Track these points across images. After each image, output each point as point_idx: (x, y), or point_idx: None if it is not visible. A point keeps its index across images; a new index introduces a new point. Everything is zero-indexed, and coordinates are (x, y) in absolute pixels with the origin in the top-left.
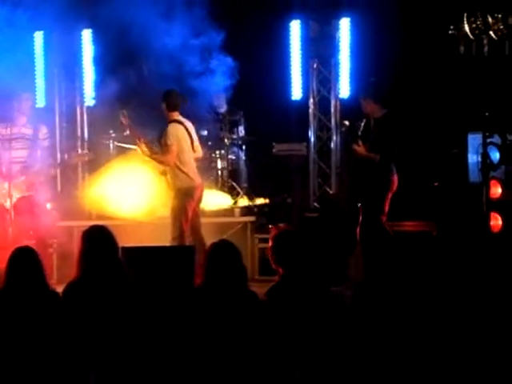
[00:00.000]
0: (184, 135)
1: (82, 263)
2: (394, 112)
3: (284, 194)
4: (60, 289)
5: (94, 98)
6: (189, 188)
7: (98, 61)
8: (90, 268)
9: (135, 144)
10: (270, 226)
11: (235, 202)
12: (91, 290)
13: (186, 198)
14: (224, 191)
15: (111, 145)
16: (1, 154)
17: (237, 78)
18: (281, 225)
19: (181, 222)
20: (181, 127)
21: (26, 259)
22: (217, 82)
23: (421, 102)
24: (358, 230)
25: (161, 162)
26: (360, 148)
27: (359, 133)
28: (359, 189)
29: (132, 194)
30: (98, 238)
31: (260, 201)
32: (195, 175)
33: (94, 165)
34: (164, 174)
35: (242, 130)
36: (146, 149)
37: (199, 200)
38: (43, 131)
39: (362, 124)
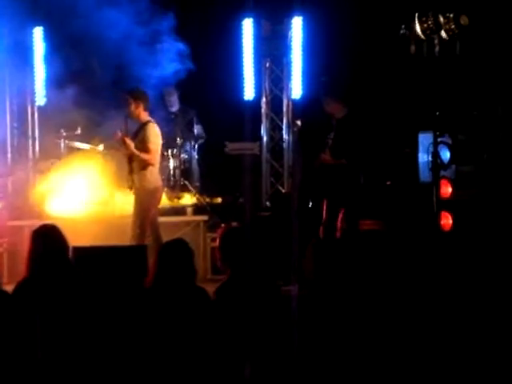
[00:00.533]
0: (160, 136)
1: (30, 263)
2: (355, 111)
3: (236, 193)
4: (10, 288)
5: (44, 97)
6: (155, 188)
7: (49, 59)
8: (38, 267)
9: (120, 138)
10: (222, 225)
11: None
12: (40, 290)
13: (151, 198)
14: (176, 190)
15: (62, 144)
16: None
17: (189, 73)
18: (232, 223)
19: (143, 220)
20: (158, 128)
21: None
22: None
23: (372, 101)
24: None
25: (143, 161)
26: (326, 156)
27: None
28: (326, 190)
29: (82, 192)
30: (47, 237)
31: (211, 200)
32: (159, 176)
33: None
34: (130, 173)
35: (195, 129)
36: (130, 142)
37: (160, 200)
38: None
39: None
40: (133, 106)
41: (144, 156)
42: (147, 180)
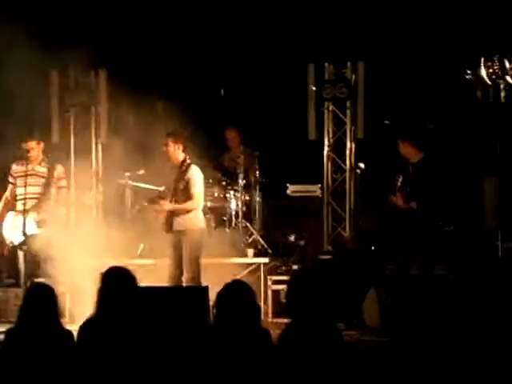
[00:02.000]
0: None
1: (98, 302)
2: (431, 156)
3: (298, 236)
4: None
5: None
6: (204, 228)
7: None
8: (106, 307)
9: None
10: (284, 268)
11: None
12: (106, 329)
13: (202, 239)
14: (237, 232)
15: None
16: (17, 190)
17: (253, 115)
18: (293, 267)
19: (198, 261)
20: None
21: (41, 295)
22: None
23: (437, 146)
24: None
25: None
26: (397, 199)
27: (399, 183)
28: (399, 233)
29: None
30: (117, 279)
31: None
32: None
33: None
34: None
35: (256, 171)
36: (167, 203)
37: None
38: (58, 171)
39: (400, 178)
40: (174, 147)
41: (187, 208)
42: (199, 220)
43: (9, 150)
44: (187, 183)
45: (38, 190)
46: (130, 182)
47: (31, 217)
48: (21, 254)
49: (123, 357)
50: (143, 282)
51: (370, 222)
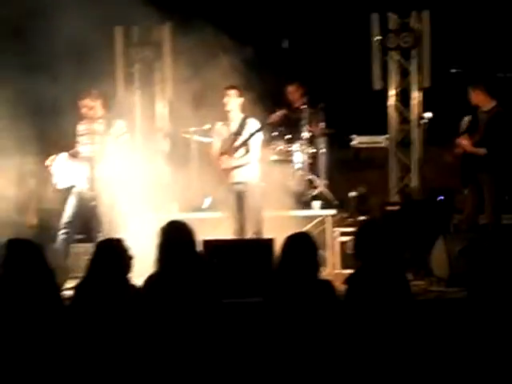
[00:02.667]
0: None
1: (159, 257)
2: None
3: (363, 187)
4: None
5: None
6: (262, 184)
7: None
8: (167, 262)
9: None
10: (350, 220)
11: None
12: (169, 284)
13: (263, 192)
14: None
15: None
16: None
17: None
18: (360, 218)
19: (261, 214)
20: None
21: (110, 250)
22: None
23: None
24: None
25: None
26: (465, 142)
27: (464, 127)
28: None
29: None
30: (176, 233)
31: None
32: None
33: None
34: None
35: (320, 123)
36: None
37: None
38: (116, 127)
39: (467, 119)
40: (237, 96)
41: (245, 160)
42: (259, 175)
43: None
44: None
45: (94, 148)
46: (196, 137)
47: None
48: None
49: (188, 312)
50: (210, 235)
51: (437, 172)
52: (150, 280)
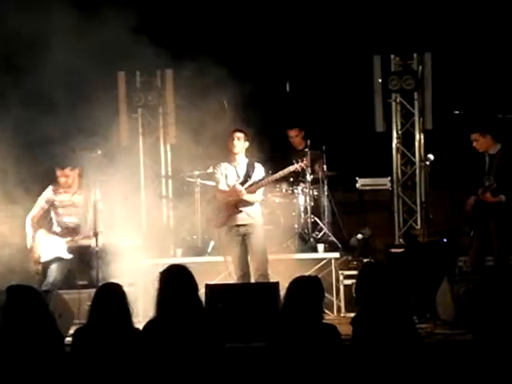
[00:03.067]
0: None
1: (159, 301)
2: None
3: (368, 230)
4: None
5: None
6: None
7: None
8: (167, 306)
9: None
10: (355, 263)
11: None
12: (168, 329)
13: (265, 233)
14: (307, 227)
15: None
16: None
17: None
18: (365, 261)
19: (266, 256)
20: None
21: (110, 295)
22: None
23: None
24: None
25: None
26: (488, 195)
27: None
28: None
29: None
30: (175, 278)
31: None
32: None
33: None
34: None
35: (323, 165)
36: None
37: None
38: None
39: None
40: (242, 143)
41: (255, 197)
42: (261, 214)
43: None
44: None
45: (75, 220)
46: (199, 180)
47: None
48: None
49: (187, 357)
50: (216, 279)
51: (442, 214)
52: (150, 325)
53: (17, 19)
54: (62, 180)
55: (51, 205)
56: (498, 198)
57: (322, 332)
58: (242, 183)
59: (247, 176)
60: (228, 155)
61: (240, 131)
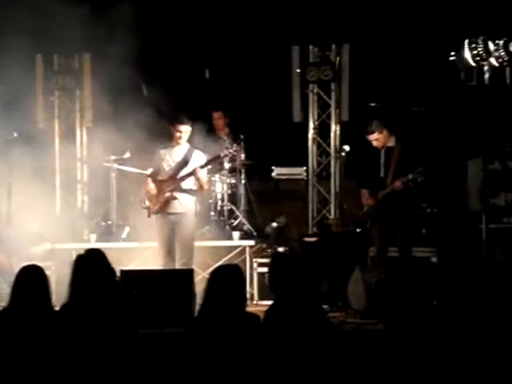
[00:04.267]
0: None
1: (72, 288)
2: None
3: (283, 218)
4: None
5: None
6: (196, 211)
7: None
8: (79, 291)
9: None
10: (269, 251)
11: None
12: (81, 314)
13: (196, 221)
14: (223, 215)
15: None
16: None
17: (238, 98)
18: (278, 249)
19: (193, 245)
20: None
21: (33, 277)
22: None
23: (421, 128)
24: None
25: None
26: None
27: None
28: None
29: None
30: (89, 262)
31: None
32: None
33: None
34: (174, 198)
35: (241, 155)
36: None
37: None
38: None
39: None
40: (186, 128)
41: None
42: (194, 203)
43: None
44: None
45: None
46: (116, 166)
47: None
48: None
49: (101, 342)
50: (129, 265)
51: (355, 205)
52: (63, 309)
53: None
54: None
55: None
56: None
57: (245, 320)
58: (179, 169)
59: (184, 162)
60: (168, 140)
61: (185, 123)
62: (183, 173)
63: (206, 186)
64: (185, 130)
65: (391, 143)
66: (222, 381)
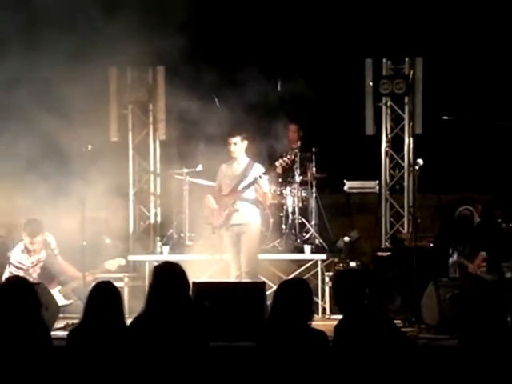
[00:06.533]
0: None
1: (150, 298)
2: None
3: (355, 232)
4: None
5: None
6: (260, 223)
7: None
8: (157, 304)
9: None
10: (341, 265)
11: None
12: (156, 326)
13: (260, 233)
14: (294, 228)
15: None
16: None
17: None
18: (349, 264)
19: (257, 255)
20: None
21: (106, 292)
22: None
23: (502, 139)
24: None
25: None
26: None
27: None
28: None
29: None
30: (168, 274)
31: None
32: None
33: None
34: (235, 210)
35: (313, 168)
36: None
37: None
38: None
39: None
40: (243, 143)
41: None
42: (257, 214)
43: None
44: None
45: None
46: (188, 178)
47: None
48: None
49: (173, 353)
50: (200, 278)
51: (428, 218)
52: (138, 320)
53: None
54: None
55: None
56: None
57: (311, 337)
58: (240, 182)
59: (243, 175)
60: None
61: (234, 136)
62: (243, 184)
63: (269, 195)
64: (234, 141)
65: None
66: None
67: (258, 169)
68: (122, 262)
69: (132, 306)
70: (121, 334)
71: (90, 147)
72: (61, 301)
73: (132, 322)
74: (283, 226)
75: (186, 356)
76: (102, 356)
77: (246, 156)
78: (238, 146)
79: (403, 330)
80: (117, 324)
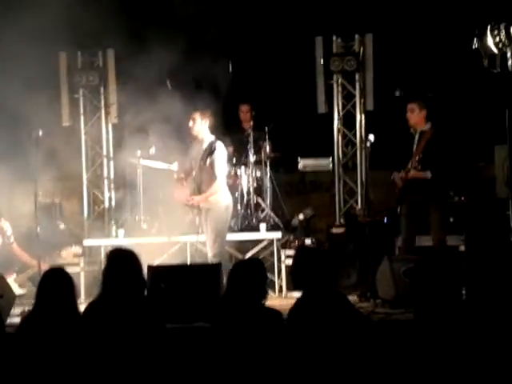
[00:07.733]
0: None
1: (103, 283)
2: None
3: (310, 210)
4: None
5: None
6: (230, 204)
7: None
8: (111, 287)
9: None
10: (297, 242)
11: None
12: (111, 310)
13: (228, 214)
14: (249, 208)
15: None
16: None
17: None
18: (305, 241)
19: (224, 238)
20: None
21: (57, 279)
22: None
23: (446, 116)
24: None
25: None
26: (411, 173)
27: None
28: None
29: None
30: (120, 258)
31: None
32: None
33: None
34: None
35: (266, 147)
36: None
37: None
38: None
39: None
40: (202, 123)
41: (213, 190)
42: (224, 196)
43: None
44: (212, 161)
45: None
46: (142, 161)
47: None
48: None
49: (128, 336)
50: (157, 260)
51: (382, 194)
52: (92, 305)
53: None
54: None
55: None
56: (420, 174)
57: (265, 316)
58: (203, 162)
59: (207, 155)
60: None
61: (194, 111)
62: (207, 164)
63: (215, 189)
64: (192, 117)
65: (423, 128)
66: (242, 376)
67: (220, 148)
68: (78, 250)
69: (89, 291)
70: (73, 320)
71: (40, 133)
72: (16, 290)
73: (87, 307)
74: (238, 206)
75: (141, 339)
76: (53, 342)
77: (211, 134)
78: (198, 123)
79: (359, 305)
80: (68, 310)
